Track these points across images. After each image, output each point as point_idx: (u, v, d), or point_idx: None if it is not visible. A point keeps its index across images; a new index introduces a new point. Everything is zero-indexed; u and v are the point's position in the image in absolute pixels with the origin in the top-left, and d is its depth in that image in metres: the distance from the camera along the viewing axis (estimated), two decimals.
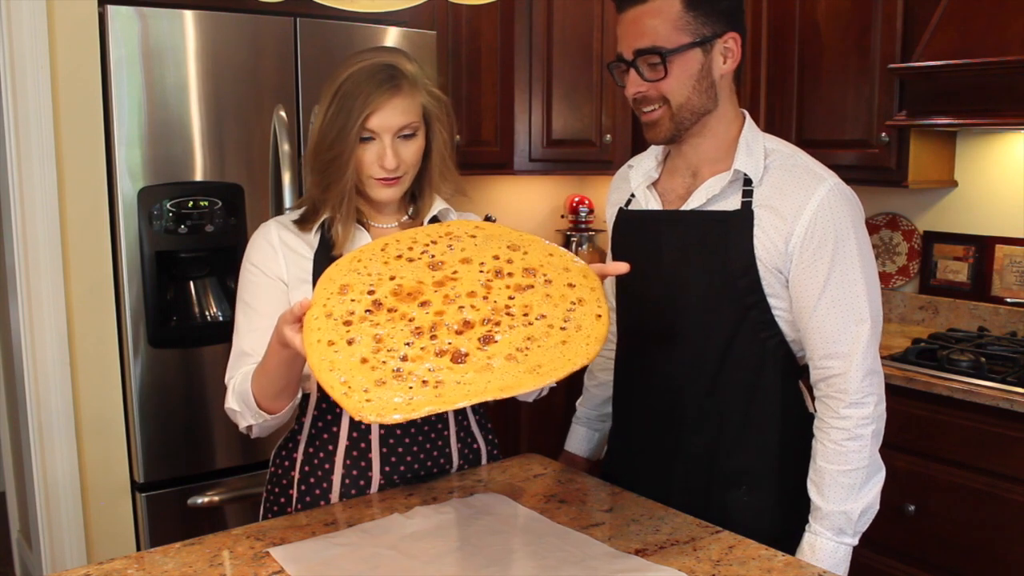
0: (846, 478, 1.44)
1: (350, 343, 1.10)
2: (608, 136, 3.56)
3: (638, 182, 1.62)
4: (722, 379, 1.52)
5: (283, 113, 2.65)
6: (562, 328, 1.12)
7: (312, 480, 1.54)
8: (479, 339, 1.10)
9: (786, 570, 1.28)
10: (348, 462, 1.53)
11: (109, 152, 2.50)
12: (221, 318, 2.63)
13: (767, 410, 1.52)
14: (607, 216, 1.73)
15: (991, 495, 2.28)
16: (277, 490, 1.59)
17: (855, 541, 1.47)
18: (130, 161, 2.47)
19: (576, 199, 4.00)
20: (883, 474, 1.48)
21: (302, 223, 1.54)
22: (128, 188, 2.48)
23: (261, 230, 1.57)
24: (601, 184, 4.08)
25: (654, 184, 1.62)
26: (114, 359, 2.59)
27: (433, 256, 1.24)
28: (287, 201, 2.61)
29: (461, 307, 1.14)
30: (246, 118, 2.62)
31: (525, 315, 1.14)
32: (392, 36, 2.83)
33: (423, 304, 1.15)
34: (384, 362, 1.08)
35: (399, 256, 1.24)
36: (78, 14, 2.45)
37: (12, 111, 2.40)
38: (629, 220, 1.64)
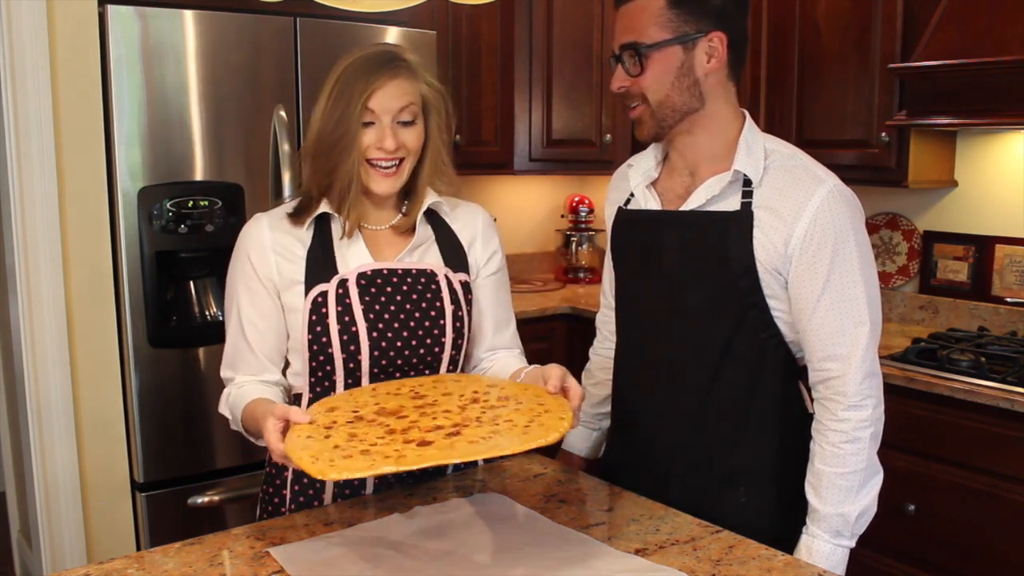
0: (844, 480, 1.44)
1: (327, 437, 1.22)
2: (608, 136, 3.56)
3: (637, 181, 1.62)
4: (721, 379, 1.52)
5: (283, 113, 2.65)
6: (525, 427, 1.23)
7: (306, 480, 1.54)
8: (446, 435, 1.21)
9: (786, 570, 1.28)
10: None
11: (109, 152, 2.50)
12: (221, 318, 2.63)
13: (766, 410, 1.52)
14: (606, 215, 1.73)
15: (991, 495, 2.28)
16: (271, 490, 1.59)
17: (852, 543, 1.47)
18: (130, 161, 2.47)
19: (576, 199, 4.00)
20: (881, 476, 1.48)
21: (296, 216, 1.54)
22: (128, 188, 2.48)
23: (252, 224, 1.56)
24: (601, 184, 4.08)
25: (653, 183, 1.62)
26: (114, 359, 2.59)
27: (417, 392, 1.38)
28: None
29: (435, 417, 1.27)
30: (246, 118, 2.62)
31: (493, 421, 1.26)
32: (392, 36, 2.83)
33: (400, 417, 1.28)
34: (354, 447, 1.19)
35: (387, 392, 1.38)
36: (78, 14, 2.45)
37: (12, 111, 2.41)
38: (628, 219, 1.64)
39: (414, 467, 1.13)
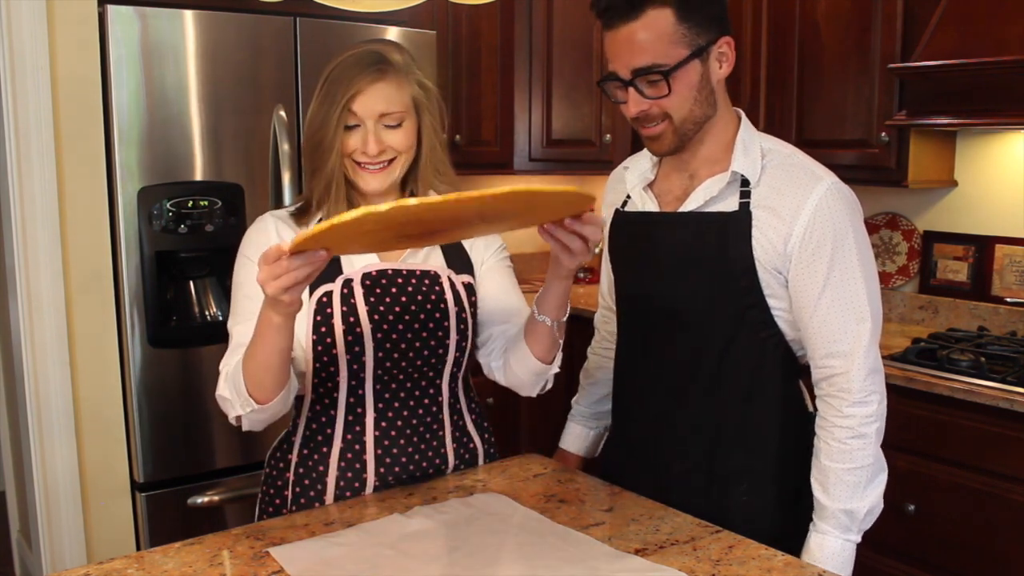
0: (851, 476, 1.44)
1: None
2: (608, 136, 3.56)
3: (634, 183, 1.62)
4: (721, 379, 1.52)
5: (283, 113, 2.65)
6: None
7: (307, 481, 1.54)
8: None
9: (786, 570, 1.28)
10: (343, 464, 1.53)
11: (109, 152, 2.50)
12: (221, 318, 2.63)
13: (767, 410, 1.52)
14: (603, 217, 1.73)
15: (991, 495, 2.28)
16: (272, 491, 1.59)
17: (859, 538, 1.47)
18: (130, 161, 2.47)
19: None
20: (886, 473, 1.48)
21: (300, 216, 1.54)
22: (128, 188, 2.48)
23: (258, 224, 1.56)
24: (601, 184, 4.06)
25: (650, 185, 1.62)
26: (114, 359, 2.59)
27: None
28: (287, 201, 2.61)
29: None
30: (246, 118, 2.62)
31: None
32: (392, 36, 2.83)
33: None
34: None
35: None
36: (78, 14, 2.45)
37: (12, 111, 2.40)
38: (626, 222, 1.64)
39: (436, 200, 1.05)
